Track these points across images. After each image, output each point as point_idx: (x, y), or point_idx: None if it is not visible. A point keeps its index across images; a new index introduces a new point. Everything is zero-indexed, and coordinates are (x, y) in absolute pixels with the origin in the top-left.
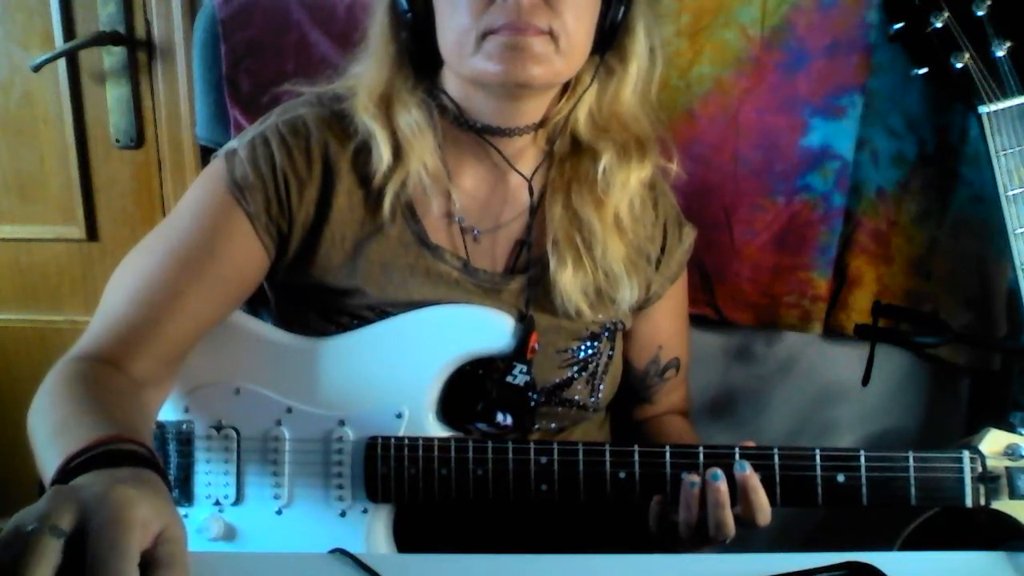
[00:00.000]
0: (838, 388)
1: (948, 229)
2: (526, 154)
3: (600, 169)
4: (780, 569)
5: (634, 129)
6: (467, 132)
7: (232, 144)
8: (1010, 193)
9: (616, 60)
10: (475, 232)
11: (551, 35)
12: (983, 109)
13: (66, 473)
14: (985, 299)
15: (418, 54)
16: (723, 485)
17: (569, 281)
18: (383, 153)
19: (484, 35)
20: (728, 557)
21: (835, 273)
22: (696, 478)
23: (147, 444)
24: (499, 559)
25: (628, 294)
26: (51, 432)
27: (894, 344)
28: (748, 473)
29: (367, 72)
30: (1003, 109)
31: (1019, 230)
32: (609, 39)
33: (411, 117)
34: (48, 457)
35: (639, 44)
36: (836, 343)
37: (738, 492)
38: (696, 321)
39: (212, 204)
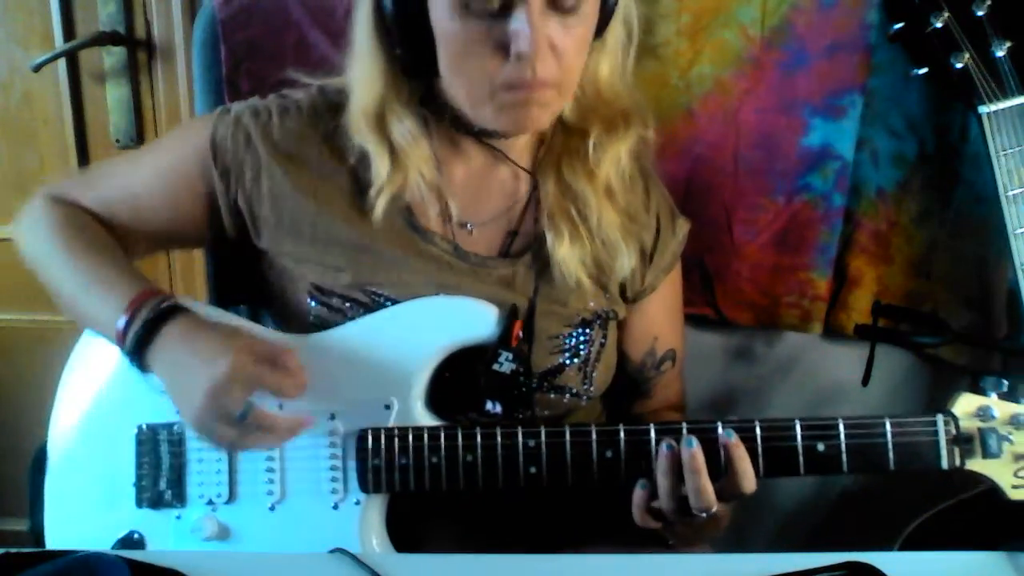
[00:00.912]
0: (838, 388)
1: (948, 229)
2: (520, 144)
3: (590, 144)
4: (780, 569)
5: (618, 104)
6: (463, 134)
7: (230, 105)
8: (1010, 193)
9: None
10: (468, 226)
11: (556, 86)
12: (983, 109)
13: (150, 324)
14: (985, 299)
15: (413, 68)
16: (698, 452)
17: (567, 253)
18: (380, 168)
19: (496, 90)
20: (728, 557)
21: (835, 273)
22: (672, 441)
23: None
24: (498, 559)
25: (626, 261)
26: (91, 276)
27: (894, 344)
28: (734, 441)
29: (357, 88)
30: (1003, 109)
31: (1019, 230)
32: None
33: (404, 127)
34: (95, 298)
35: (616, 29)
36: (836, 343)
37: (721, 462)
38: (696, 321)
39: (188, 154)
